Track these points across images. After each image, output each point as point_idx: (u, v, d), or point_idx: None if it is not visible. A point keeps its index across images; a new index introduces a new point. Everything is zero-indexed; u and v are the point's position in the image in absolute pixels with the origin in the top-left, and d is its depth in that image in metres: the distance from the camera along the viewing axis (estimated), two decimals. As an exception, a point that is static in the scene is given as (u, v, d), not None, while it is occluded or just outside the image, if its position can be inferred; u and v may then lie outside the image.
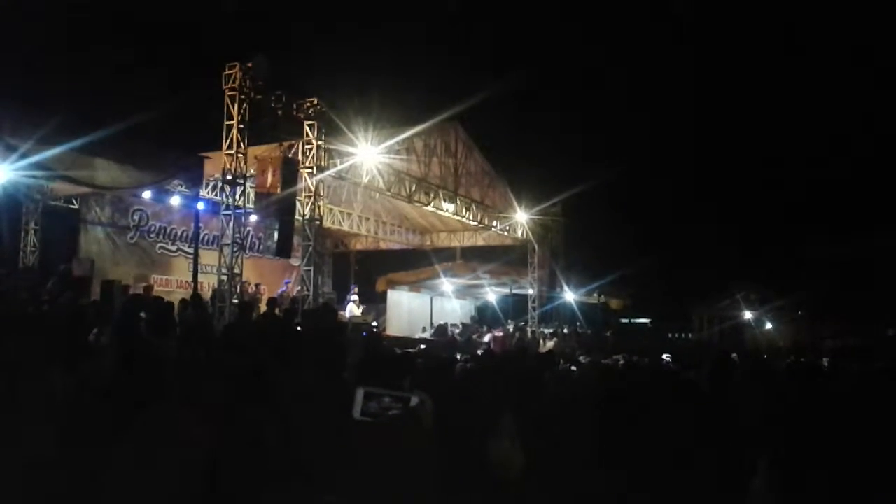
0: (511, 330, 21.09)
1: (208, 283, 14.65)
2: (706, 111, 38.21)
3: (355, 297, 17.44)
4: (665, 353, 12.44)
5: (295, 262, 16.63)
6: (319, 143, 13.78)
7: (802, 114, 36.19)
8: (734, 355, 6.89)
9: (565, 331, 22.92)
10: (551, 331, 22.50)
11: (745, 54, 39.76)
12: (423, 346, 14.88)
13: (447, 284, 22.14)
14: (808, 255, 30.07)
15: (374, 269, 22.55)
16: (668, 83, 38.76)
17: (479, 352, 11.86)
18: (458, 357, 7.52)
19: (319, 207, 14.17)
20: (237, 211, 13.00)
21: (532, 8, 37.36)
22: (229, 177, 12.80)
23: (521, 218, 20.48)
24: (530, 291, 22.31)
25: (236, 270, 12.94)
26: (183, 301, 11.69)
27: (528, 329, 21.45)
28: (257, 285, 16.16)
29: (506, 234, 20.95)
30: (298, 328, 9.99)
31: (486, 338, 19.14)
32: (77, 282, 12.96)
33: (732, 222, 35.72)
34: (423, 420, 1.79)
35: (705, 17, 34.24)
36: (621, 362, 9.88)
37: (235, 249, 12.95)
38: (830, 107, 35.56)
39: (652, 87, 40.53)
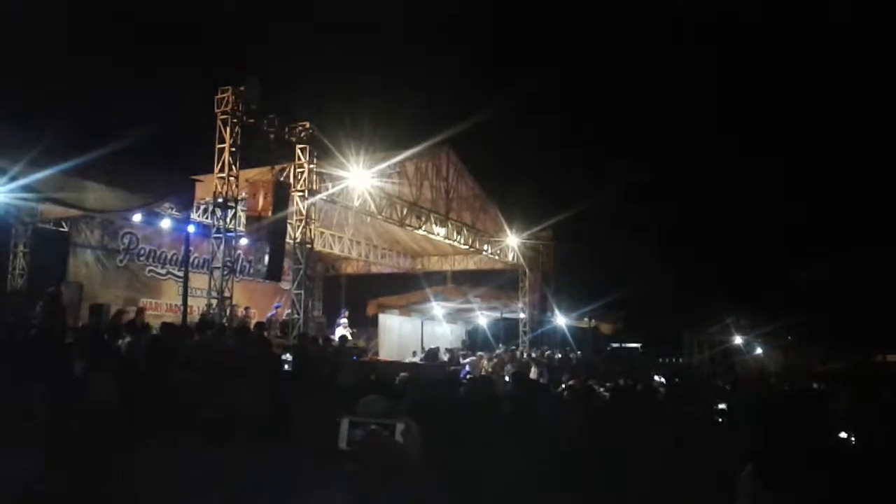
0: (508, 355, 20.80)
1: (197, 306, 14.59)
2: (694, 133, 38.60)
3: (345, 321, 17.38)
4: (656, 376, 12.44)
5: (285, 285, 16.60)
6: (311, 166, 13.83)
7: (796, 132, 36.59)
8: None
9: (558, 355, 22.83)
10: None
11: (738, 68, 40.14)
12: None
13: (438, 308, 22.10)
14: (798, 280, 30.19)
15: (364, 293, 22.53)
16: (659, 104, 39.12)
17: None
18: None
19: (310, 231, 14.18)
20: (228, 234, 12.99)
21: (524, 31, 37.83)
22: (220, 200, 12.82)
23: (513, 242, 20.50)
24: (521, 315, 22.26)
25: (226, 294, 12.90)
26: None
27: (521, 353, 21.31)
28: (246, 309, 16.09)
29: (497, 257, 20.96)
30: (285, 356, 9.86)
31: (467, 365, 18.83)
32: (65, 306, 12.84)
33: (723, 246, 35.86)
34: (410, 446, 1.79)
35: (694, 33, 34.75)
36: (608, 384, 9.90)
37: (226, 273, 12.92)
38: (825, 120, 35.89)
39: (645, 107, 40.89)
